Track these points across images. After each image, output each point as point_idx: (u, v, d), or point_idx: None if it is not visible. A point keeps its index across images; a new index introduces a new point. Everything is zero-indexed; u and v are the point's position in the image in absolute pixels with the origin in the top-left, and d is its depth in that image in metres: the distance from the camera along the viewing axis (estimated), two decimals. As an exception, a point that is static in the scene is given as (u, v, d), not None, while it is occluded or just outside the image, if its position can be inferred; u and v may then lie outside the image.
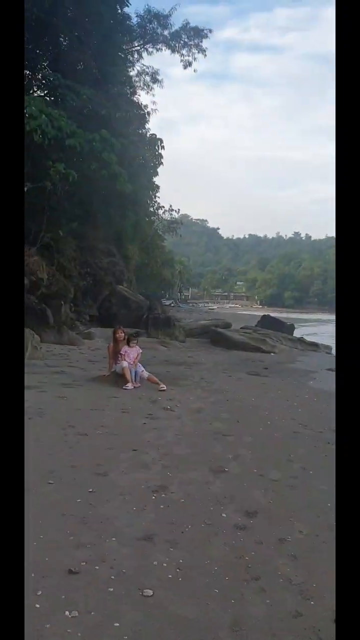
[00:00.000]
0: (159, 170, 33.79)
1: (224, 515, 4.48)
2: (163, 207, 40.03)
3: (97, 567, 3.50)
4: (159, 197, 41.78)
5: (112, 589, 3.27)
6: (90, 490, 4.76)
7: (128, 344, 10.38)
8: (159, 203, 40.21)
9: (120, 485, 4.94)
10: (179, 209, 56.83)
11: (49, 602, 3.08)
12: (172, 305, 46.85)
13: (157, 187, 40.59)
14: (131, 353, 10.25)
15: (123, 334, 10.54)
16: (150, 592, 3.26)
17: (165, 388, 9.81)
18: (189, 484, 5.12)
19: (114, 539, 3.90)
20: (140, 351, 10.48)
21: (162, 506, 4.56)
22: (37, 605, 3.05)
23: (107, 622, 2.96)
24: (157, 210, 40.74)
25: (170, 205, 51.91)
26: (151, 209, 41.34)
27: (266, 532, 4.21)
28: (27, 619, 2.83)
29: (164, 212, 40.02)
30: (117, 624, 2.96)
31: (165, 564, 3.61)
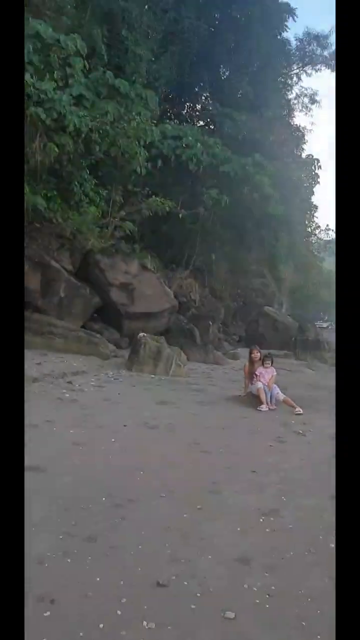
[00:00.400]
0: (318, 189, 33.35)
1: (332, 545, 4.23)
2: (319, 226, 39.23)
3: (185, 583, 3.50)
4: (316, 217, 41.08)
5: (194, 606, 3.25)
6: (199, 507, 4.78)
7: (262, 364, 10.27)
8: (316, 223, 39.50)
9: (229, 505, 4.89)
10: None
11: (130, 611, 3.14)
12: (330, 327, 45.25)
13: (315, 207, 39.93)
14: (265, 374, 10.12)
15: (259, 354, 10.45)
16: (232, 615, 3.19)
17: (301, 412, 9.50)
18: (302, 510, 4.92)
19: (210, 556, 3.88)
20: (275, 373, 10.29)
21: (267, 529, 4.44)
22: (119, 612, 3.13)
23: (180, 638, 2.95)
24: (315, 230, 39.95)
25: (327, 225, 50.69)
26: (308, 230, 40.69)
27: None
28: (107, 624, 2.93)
29: (319, 232, 39.10)
30: (191, 642, 2.93)
31: (255, 588, 3.51)
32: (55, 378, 10.41)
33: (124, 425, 7.34)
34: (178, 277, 21.11)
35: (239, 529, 4.41)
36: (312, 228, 42.13)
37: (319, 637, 3.08)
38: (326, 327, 46.12)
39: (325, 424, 8.96)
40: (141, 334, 13.17)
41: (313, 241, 43.95)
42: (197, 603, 3.29)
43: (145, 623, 3.04)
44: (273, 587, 3.54)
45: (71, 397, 9.00)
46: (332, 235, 43.89)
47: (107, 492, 4.90)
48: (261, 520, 4.63)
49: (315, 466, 6.39)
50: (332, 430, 8.30)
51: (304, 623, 3.20)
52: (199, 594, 3.39)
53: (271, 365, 10.32)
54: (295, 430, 8.17)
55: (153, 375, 12.33)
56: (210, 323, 19.52)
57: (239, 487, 5.40)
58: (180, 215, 19.46)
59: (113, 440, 6.57)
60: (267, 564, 3.84)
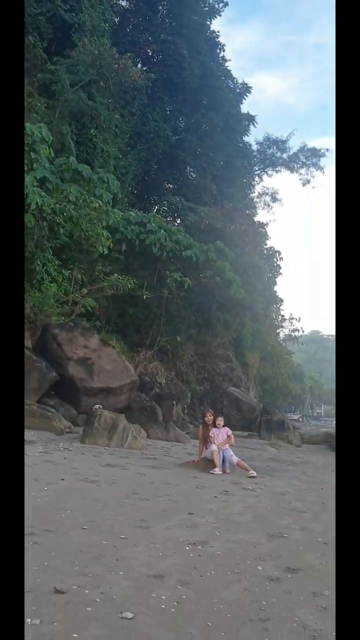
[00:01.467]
0: (281, 281, 34.54)
1: (259, 568, 3.95)
2: (285, 319, 40.07)
3: (87, 591, 3.20)
4: (282, 310, 42.04)
5: (90, 609, 2.95)
6: (123, 536, 4.47)
7: (215, 423, 10.07)
8: (282, 316, 40.39)
9: (156, 536, 4.60)
10: (299, 317, 56.39)
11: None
12: (300, 420, 44.99)
13: (281, 300, 40.96)
14: (219, 435, 9.91)
15: (212, 417, 10.27)
16: (130, 615, 2.89)
17: (255, 474, 9.29)
18: (235, 543, 4.65)
19: (121, 573, 3.57)
20: (230, 432, 10.12)
21: (192, 555, 4.15)
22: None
23: (64, 632, 2.64)
24: (281, 322, 40.77)
25: (291, 314, 51.75)
26: (275, 322, 41.50)
27: (301, 586, 3.62)
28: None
29: (283, 321, 39.91)
30: (76, 635, 2.62)
31: (164, 597, 3.22)
32: None
33: (62, 479, 6.99)
34: (143, 358, 21.04)
35: (160, 554, 4.11)
36: (278, 320, 42.97)
37: (223, 634, 2.79)
38: (296, 419, 45.90)
39: (277, 484, 8.76)
40: (97, 406, 12.87)
41: (280, 334, 44.67)
42: (94, 607, 2.99)
43: (29, 620, 2.73)
44: (184, 597, 3.25)
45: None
46: (297, 324, 44.60)
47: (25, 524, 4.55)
48: (187, 548, 4.35)
49: (257, 512, 6.14)
50: (284, 489, 8.15)
51: (209, 623, 2.90)
52: (98, 600, 3.08)
53: (222, 422, 10.15)
54: (245, 487, 7.97)
55: (107, 448, 11.95)
56: (175, 403, 19.25)
57: (171, 524, 5.11)
58: (145, 297, 19.74)
59: (46, 488, 6.21)
60: (183, 580, 3.56)
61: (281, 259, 32.27)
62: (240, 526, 5.32)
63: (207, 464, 9.71)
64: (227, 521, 5.48)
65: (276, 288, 37.01)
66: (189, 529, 4.96)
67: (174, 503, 6.16)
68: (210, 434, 9.95)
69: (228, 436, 10.02)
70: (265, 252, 32.25)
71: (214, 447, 9.68)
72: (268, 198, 37.17)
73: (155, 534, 4.67)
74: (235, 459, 9.68)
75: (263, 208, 38.19)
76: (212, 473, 9.23)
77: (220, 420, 10.21)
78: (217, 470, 9.32)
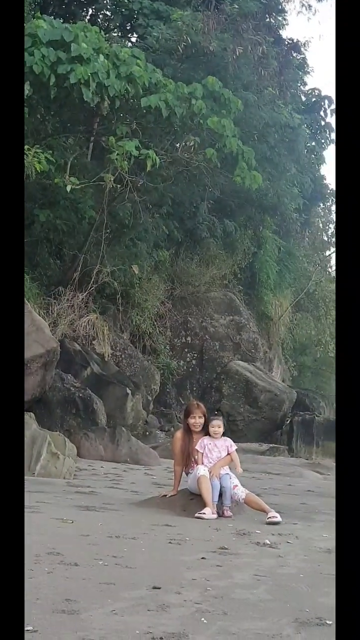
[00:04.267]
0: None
1: None
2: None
3: None
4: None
5: None
6: (29, 628, 4.71)
7: (207, 429, 10.34)
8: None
9: (91, 627, 4.85)
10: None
11: None
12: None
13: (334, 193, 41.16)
14: (213, 449, 10.19)
15: (202, 417, 10.49)
16: None
17: (279, 519, 9.62)
18: (235, 637, 4.91)
19: None
20: (233, 447, 10.39)
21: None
22: None
23: None
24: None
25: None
26: (324, 235, 41.86)
27: None
28: None
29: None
30: None
31: None
32: None
33: None
34: (68, 307, 21.21)
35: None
36: (329, 233, 43.35)
37: None
38: None
39: (319, 534, 9.11)
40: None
41: (333, 258, 44.99)
42: None
43: None
44: None
45: None
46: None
47: None
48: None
49: (280, 583, 6.43)
50: (328, 544, 8.47)
51: None
52: None
53: (221, 430, 10.40)
54: (259, 541, 8.28)
55: (2, 474, 12.23)
56: (129, 392, 19.57)
57: (121, 606, 5.36)
58: (70, 188, 19.70)
59: None
60: None
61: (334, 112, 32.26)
62: (248, 607, 5.58)
63: (190, 501, 10.00)
64: (224, 599, 5.73)
65: (326, 170, 37.14)
66: (152, 615, 5.21)
67: (125, 570, 6.41)
68: (197, 448, 10.21)
69: (228, 453, 10.29)
70: (305, 99, 32.09)
71: (202, 470, 9.95)
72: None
73: (89, 623, 4.92)
74: (242, 491, 9.98)
75: (298, 12, 37.82)
76: (199, 517, 9.53)
77: (217, 424, 10.42)
78: (208, 513, 9.61)
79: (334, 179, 4.42)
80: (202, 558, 7.18)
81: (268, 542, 8.25)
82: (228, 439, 10.47)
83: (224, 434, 10.49)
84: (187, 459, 10.35)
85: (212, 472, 9.96)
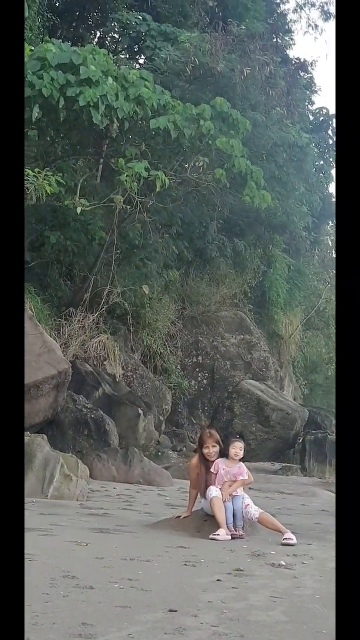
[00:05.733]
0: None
1: None
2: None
3: None
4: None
5: None
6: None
7: (225, 451, 10.32)
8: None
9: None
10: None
11: None
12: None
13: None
14: (229, 471, 10.17)
15: (217, 446, 10.41)
16: None
17: (294, 540, 9.59)
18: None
19: None
20: (246, 472, 10.35)
21: None
22: None
23: None
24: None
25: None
26: (333, 254, 41.88)
27: None
28: None
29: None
30: None
31: None
32: None
33: None
34: (79, 328, 21.21)
35: None
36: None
37: None
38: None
39: (331, 555, 9.03)
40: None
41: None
42: None
43: None
44: None
45: None
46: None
47: None
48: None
49: (297, 605, 6.41)
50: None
51: None
52: None
53: (242, 452, 10.36)
54: (274, 563, 8.26)
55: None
56: (141, 412, 19.54)
57: (138, 628, 5.36)
58: (80, 209, 19.72)
59: None
60: None
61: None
62: (265, 629, 5.56)
63: (204, 522, 9.99)
64: (240, 622, 5.72)
65: (334, 188, 37.27)
66: (169, 638, 5.19)
67: (141, 593, 6.39)
68: (211, 470, 10.21)
69: (240, 480, 10.27)
70: (313, 118, 32.12)
71: (214, 491, 9.92)
72: (314, 11, 36.96)
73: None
74: (255, 510, 9.95)
75: (305, 32, 38.03)
76: (213, 538, 9.50)
77: (239, 446, 10.36)
78: (222, 534, 9.58)
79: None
80: (218, 580, 7.17)
81: (283, 563, 8.27)
82: (243, 466, 10.39)
83: (242, 459, 10.46)
84: (200, 483, 10.30)
85: (223, 492, 9.94)
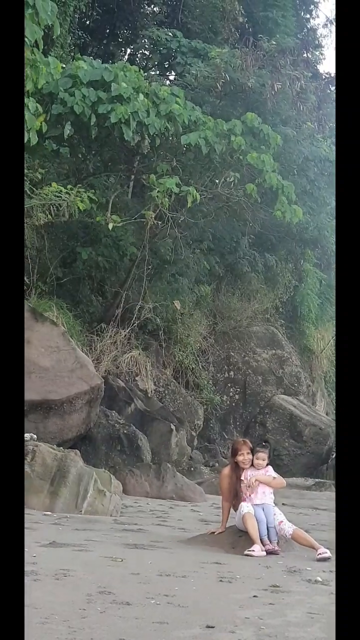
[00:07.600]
0: None
1: None
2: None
3: None
4: None
5: None
6: None
7: (253, 461, 10.34)
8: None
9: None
10: None
11: None
12: None
13: None
14: (254, 475, 10.18)
15: (251, 455, 10.43)
16: None
17: (329, 555, 9.52)
18: None
19: None
20: (273, 474, 10.36)
21: None
22: None
23: None
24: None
25: None
26: None
27: None
28: None
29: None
30: None
31: None
32: None
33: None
34: (110, 343, 21.23)
35: None
36: None
37: None
38: None
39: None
40: (27, 435, 13.11)
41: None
42: None
43: None
44: None
45: None
46: None
47: None
48: None
49: (334, 623, 6.35)
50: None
51: None
52: None
53: (265, 462, 10.37)
54: (310, 579, 8.26)
55: (48, 513, 12.24)
56: (174, 428, 19.51)
57: (176, 646, 5.35)
58: (112, 226, 19.78)
59: None
60: None
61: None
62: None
63: (239, 538, 9.96)
64: (279, 638, 5.71)
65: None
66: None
67: (178, 609, 6.39)
68: (242, 478, 10.24)
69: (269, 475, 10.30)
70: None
71: (245, 508, 9.90)
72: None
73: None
74: (289, 527, 9.91)
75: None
76: (248, 554, 9.48)
77: (262, 457, 10.39)
78: (258, 549, 9.55)
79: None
80: (254, 596, 7.19)
81: (319, 579, 8.27)
82: (270, 468, 10.46)
83: (268, 464, 10.50)
84: (234, 495, 10.32)
85: (257, 499, 9.96)
